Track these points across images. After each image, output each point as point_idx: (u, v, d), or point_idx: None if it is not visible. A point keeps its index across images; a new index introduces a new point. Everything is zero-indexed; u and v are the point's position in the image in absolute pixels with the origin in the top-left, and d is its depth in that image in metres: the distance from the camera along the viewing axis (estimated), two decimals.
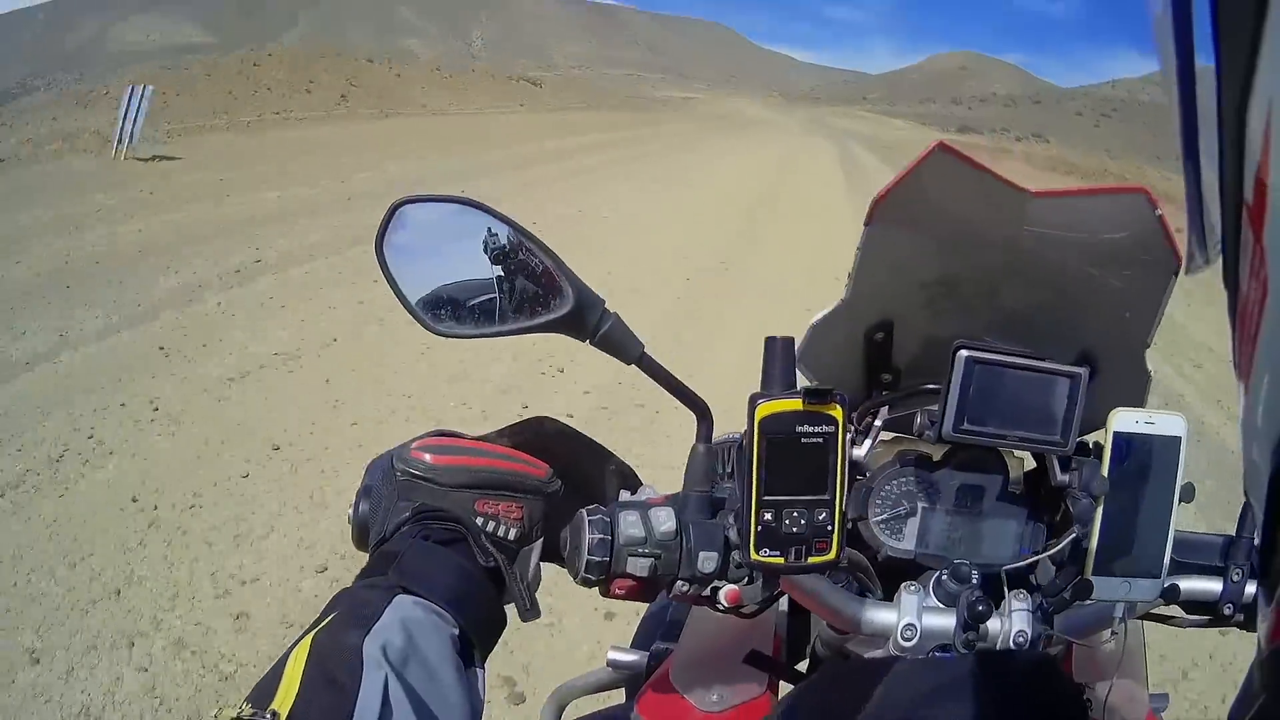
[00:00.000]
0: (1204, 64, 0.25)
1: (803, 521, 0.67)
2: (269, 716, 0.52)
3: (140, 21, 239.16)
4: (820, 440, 0.66)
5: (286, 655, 0.59)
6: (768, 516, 0.66)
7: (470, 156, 14.48)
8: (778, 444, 0.65)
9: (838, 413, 0.65)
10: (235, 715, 0.52)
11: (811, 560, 0.68)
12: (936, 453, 0.91)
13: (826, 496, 0.67)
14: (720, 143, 26.74)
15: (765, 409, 0.65)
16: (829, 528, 0.67)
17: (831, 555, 0.68)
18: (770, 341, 0.68)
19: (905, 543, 0.89)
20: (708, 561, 0.73)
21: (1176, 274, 0.80)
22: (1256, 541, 0.29)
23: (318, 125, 15.42)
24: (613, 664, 1.20)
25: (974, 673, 0.67)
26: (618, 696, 1.23)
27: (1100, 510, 0.76)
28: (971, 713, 0.63)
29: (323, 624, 0.62)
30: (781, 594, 0.78)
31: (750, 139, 30.85)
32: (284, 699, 0.54)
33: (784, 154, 24.92)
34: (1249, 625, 0.87)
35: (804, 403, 0.65)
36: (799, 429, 0.65)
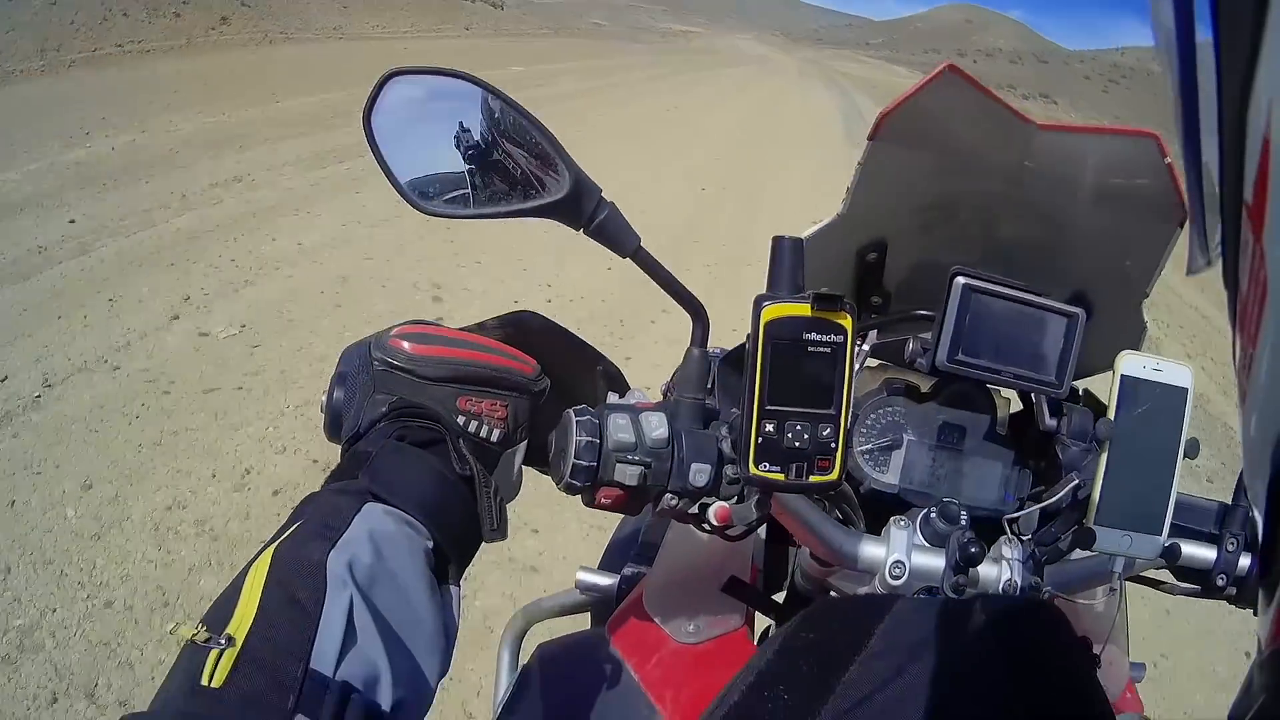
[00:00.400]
0: (1205, 64, 0.25)
1: (805, 436, 0.63)
2: (224, 641, 0.48)
3: None
4: (828, 350, 0.62)
5: (246, 569, 0.55)
6: (769, 428, 0.62)
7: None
8: (783, 350, 0.61)
9: (847, 322, 0.61)
10: (190, 637, 0.49)
11: (813, 479, 0.64)
12: (925, 384, 0.89)
13: (831, 411, 0.63)
14: (703, 88, 20.42)
15: (771, 312, 0.61)
16: (832, 445, 0.63)
17: (834, 475, 0.64)
18: (778, 241, 0.64)
19: (889, 476, 0.87)
20: (700, 474, 0.69)
21: (1181, 226, 0.78)
22: (1258, 540, 0.28)
23: (175, 57, 11.77)
24: (581, 586, 1.18)
25: (979, 619, 0.65)
26: (584, 621, 1.22)
27: (1105, 456, 0.73)
28: (977, 658, 0.62)
29: (286, 534, 0.58)
30: (768, 518, 0.74)
31: (739, 82, 24.94)
32: (241, 622, 0.50)
33: (776, 99, 21.21)
34: (1240, 600, 0.85)
35: (813, 308, 0.61)
36: (806, 335, 0.61)
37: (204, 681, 0.46)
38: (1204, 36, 0.24)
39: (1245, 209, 0.25)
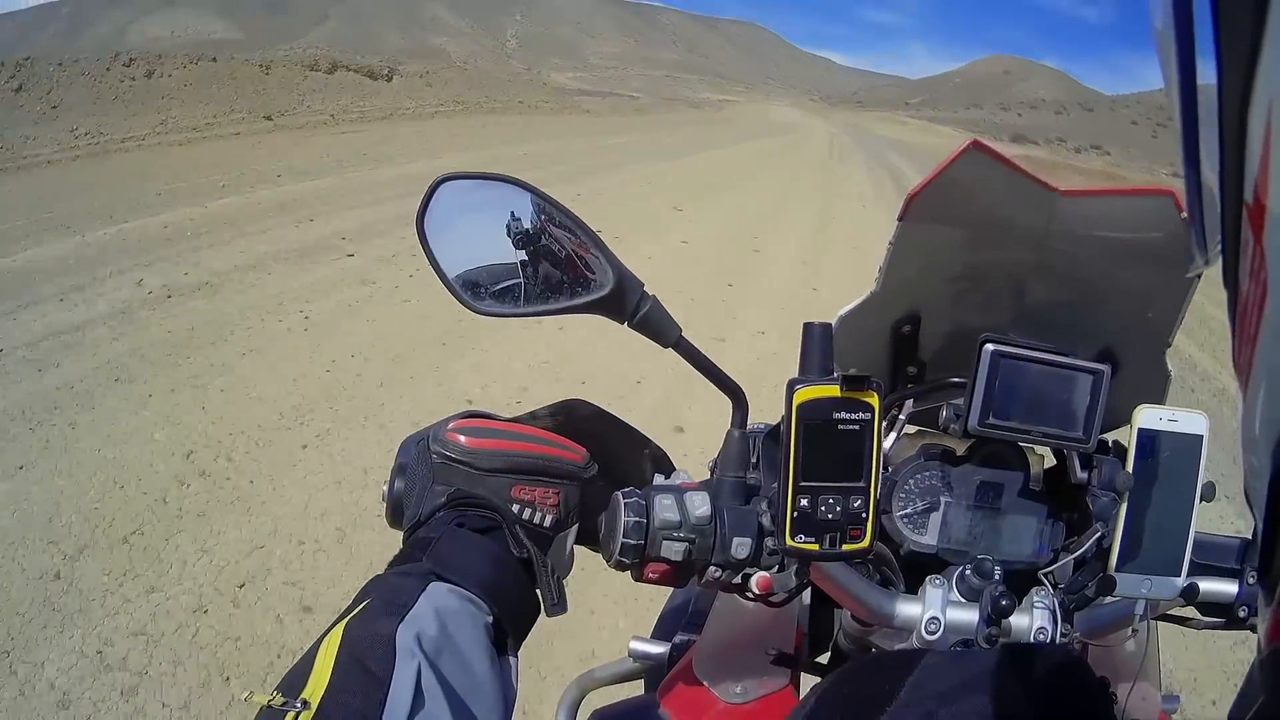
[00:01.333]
0: (1205, 65, 0.25)
1: (838, 508, 0.68)
2: (300, 705, 0.53)
3: (165, 16, 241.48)
4: (856, 427, 0.67)
5: (318, 644, 0.59)
6: (803, 502, 0.67)
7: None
8: (814, 429, 0.66)
9: (874, 400, 0.66)
10: (266, 703, 0.53)
11: (845, 548, 0.69)
12: (960, 447, 0.93)
13: (861, 484, 0.68)
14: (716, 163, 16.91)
15: (803, 394, 0.66)
16: (863, 515, 0.68)
17: (865, 543, 0.69)
18: (808, 327, 0.69)
19: (928, 537, 0.91)
20: (741, 547, 0.73)
21: (1199, 276, 0.82)
22: (1257, 537, 0.29)
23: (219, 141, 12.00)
24: (634, 654, 1.22)
25: (1003, 666, 0.68)
26: (636, 688, 1.26)
27: (1124, 507, 0.78)
28: (1002, 705, 0.65)
29: (355, 611, 0.62)
30: (809, 584, 0.79)
31: (766, 159, 20.07)
32: (315, 688, 0.54)
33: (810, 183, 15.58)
34: None
35: (841, 389, 0.66)
36: (836, 415, 0.66)
37: None
38: (1204, 36, 0.25)
39: (1245, 209, 0.25)
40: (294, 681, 0.56)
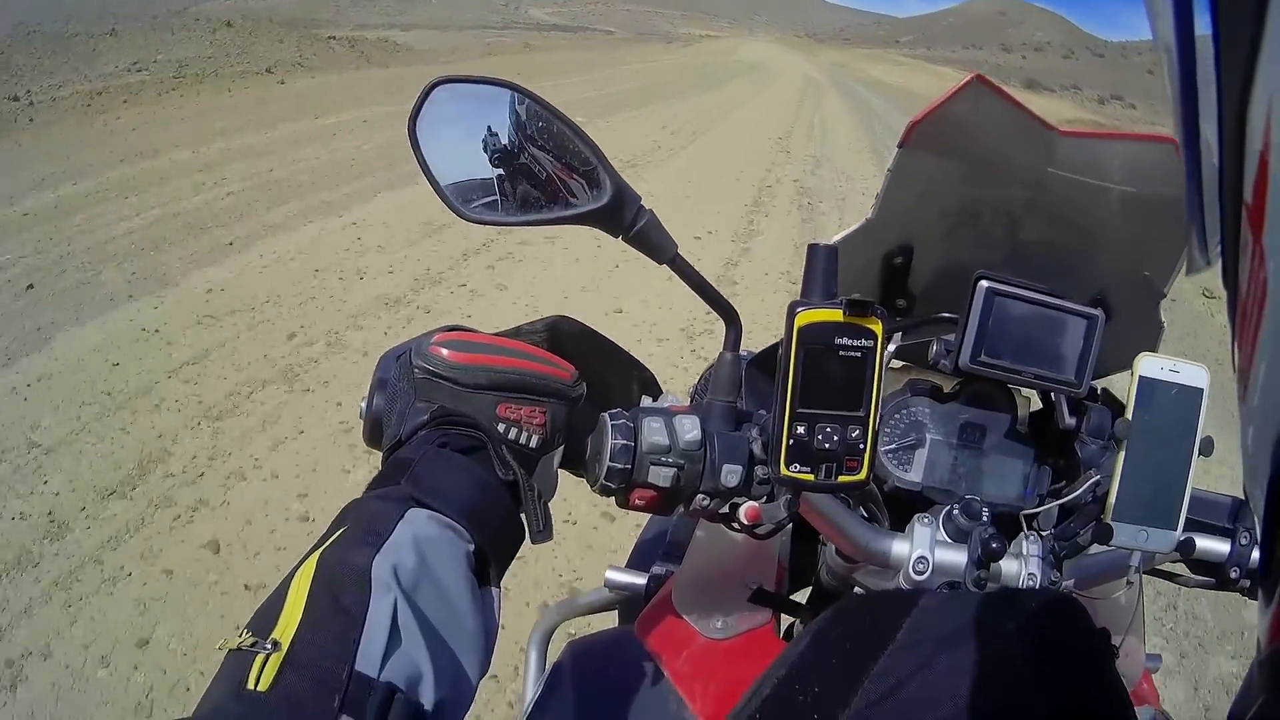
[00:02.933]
0: (1204, 64, 0.25)
1: (835, 438, 0.67)
2: (269, 646, 0.51)
3: None
4: (858, 354, 0.66)
5: (291, 576, 0.58)
6: (800, 430, 0.67)
7: None
8: (815, 354, 0.65)
9: (877, 326, 0.65)
10: (236, 645, 0.52)
11: (842, 479, 0.68)
12: (947, 384, 0.95)
13: (861, 413, 0.67)
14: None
15: (805, 317, 0.65)
16: (861, 446, 0.67)
17: (862, 475, 0.68)
18: (813, 249, 0.68)
19: (913, 474, 0.93)
20: (731, 475, 0.73)
21: None
22: (1258, 537, 0.30)
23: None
24: (610, 585, 1.23)
25: (1003, 610, 0.69)
26: (611, 619, 1.28)
27: (1123, 454, 0.78)
28: (1002, 650, 0.65)
29: (330, 540, 0.60)
30: (797, 516, 0.77)
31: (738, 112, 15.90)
32: (286, 626, 0.53)
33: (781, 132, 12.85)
34: (1253, 592, 0.89)
35: (845, 313, 0.65)
36: (837, 340, 0.65)
37: (250, 685, 0.49)
38: (1204, 35, 0.25)
39: (1245, 209, 0.26)
40: (265, 619, 0.54)
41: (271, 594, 0.57)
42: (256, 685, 0.49)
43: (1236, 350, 0.28)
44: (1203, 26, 0.24)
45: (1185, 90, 0.27)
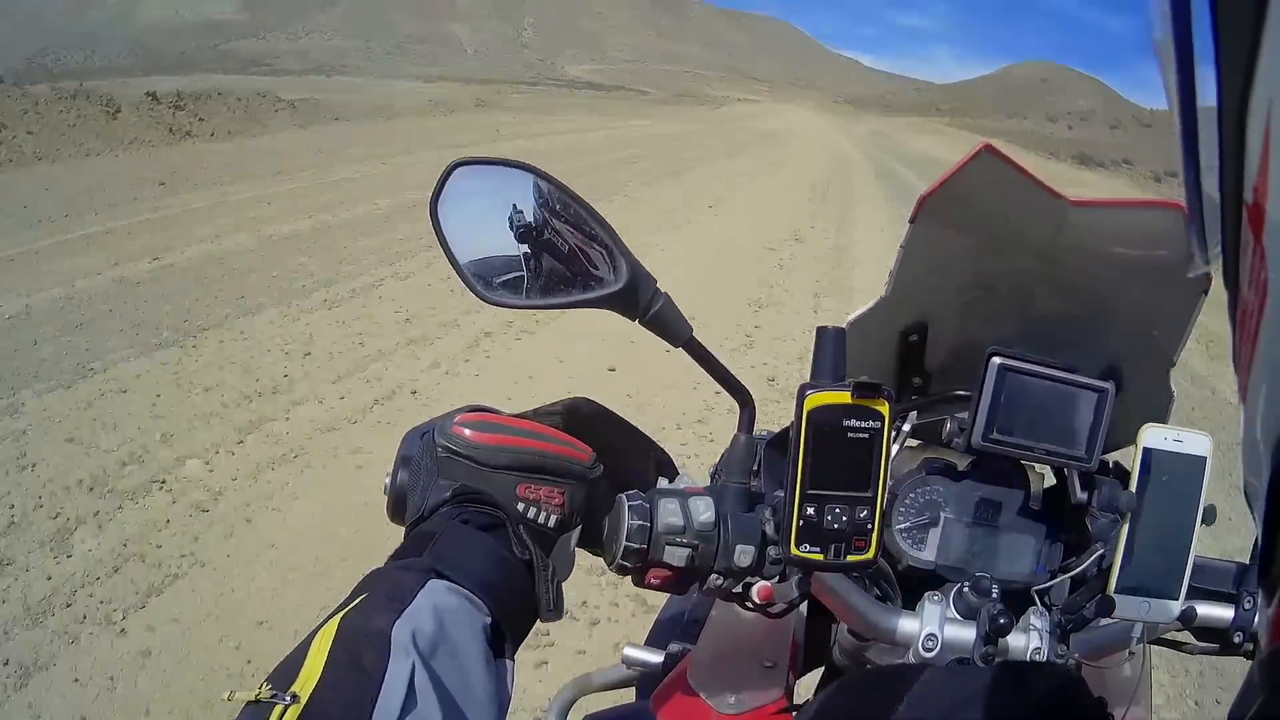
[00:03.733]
0: (1204, 64, 0.26)
1: (844, 518, 0.68)
2: (289, 699, 0.53)
3: None
4: (866, 435, 0.67)
5: (311, 636, 0.59)
6: (810, 511, 0.68)
7: None
8: (824, 436, 0.67)
9: (885, 408, 0.67)
10: (254, 698, 0.53)
11: (850, 558, 0.69)
12: (961, 462, 0.96)
13: (868, 494, 0.68)
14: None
15: (814, 400, 0.67)
16: (869, 526, 0.69)
17: (870, 554, 0.69)
18: (821, 331, 0.70)
19: (926, 553, 0.94)
20: (744, 555, 0.74)
21: (1206, 292, 0.84)
22: (1257, 537, 0.30)
23: None
24: (628, 661, 1.25)
25: (1002, 683, 0.70)
26: (629, 695, 1.29)
27: (1126, 527, 0.79)
28: (998, 718, 0.67)
29: (352, 605, 0.63)
30: (809, 595, 0.80)
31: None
32: (306, 682, 0.54)
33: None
34: (1256, 655, 0.90)
35: (853, 395, 0.66)
36: (846, 422, 0.67)
37: None
38: (1203, 38, 0.25)
39: (1245, 209, 0.26)
40: (285, 673, 0.56)
41: (292, 651, 0.59)
42: None
43: (1237, 350, 0.29)
44: (1202, 27, 0.25)
45: (1185, 90, 0.27)
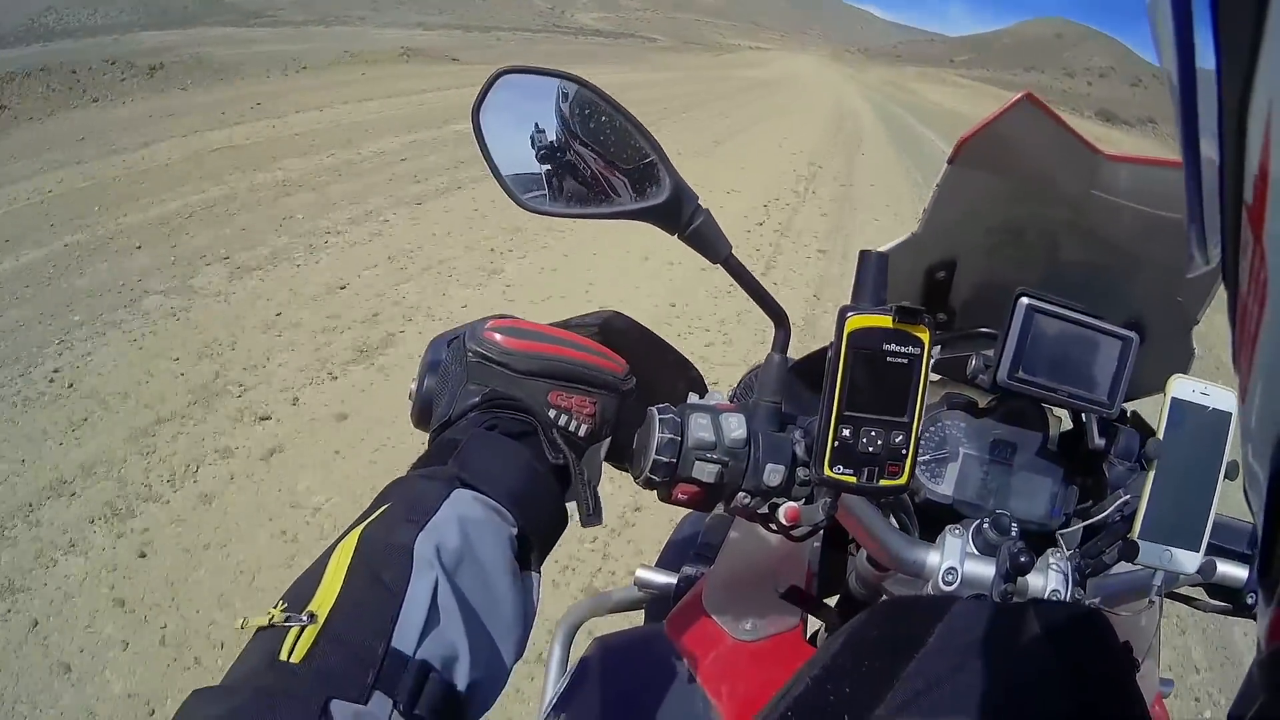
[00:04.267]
0: (1204, 63, 0.26)
1: (879, 441, 0.69)
2: (305, 619, 0.52)
3: None
4: (905, 360, 0.68)
5: (330, 551, 0.58)
6: (845, 433, 0.68)
7: None
8: (864, 359, 0.67)
9: (925, 334, 0.68)
10: (268, 621, 0.52)
11: (883, 483, 0.70)
12: (983, 400, 0.98)
13: (905, 419, 0.69)
14: None
15: (855, 322, 0.67)
16: (903, 451, 0.70)
17: (903, 479, 0.70)
18: (864, 255, 0.70)
19: (944, 486, 0.96)
20: (774, 474, 0.75)
21: None
22: (1257, 537, 0.31)
23: None
24: (640, 583, 1.27)
25: (1032, 620, 0.71)
26: (637, 618, 1.31)
27: (1153, 474, 0.80)
28: (1031, 659, 0.68)
29: (373, 517, 0.61)
30: (833, 519, 0.80)
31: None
32: (324, 600, 0.53)
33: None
34: None
35: (894, 320, 0.67)
36: (886, 346, 0.67)
37: (283, 656, 0.50)
38: (1203, 36, 0.25)
39: (1245, 209, 0.26)
40: (301, 591, 0.55)
41: (309, 568, 0.58)
42: (290, 656, 0.50)
43: (1237, 350, 0.29)
44: (1203, 28, 0.25)
45: (1185, 91, 0.27)
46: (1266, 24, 0.22)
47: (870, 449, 0.69)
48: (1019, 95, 0.85)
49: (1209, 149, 0.28)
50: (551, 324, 0.85)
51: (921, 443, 0.95)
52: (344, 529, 0.61)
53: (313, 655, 0.50)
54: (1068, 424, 1.01)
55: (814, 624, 1.12)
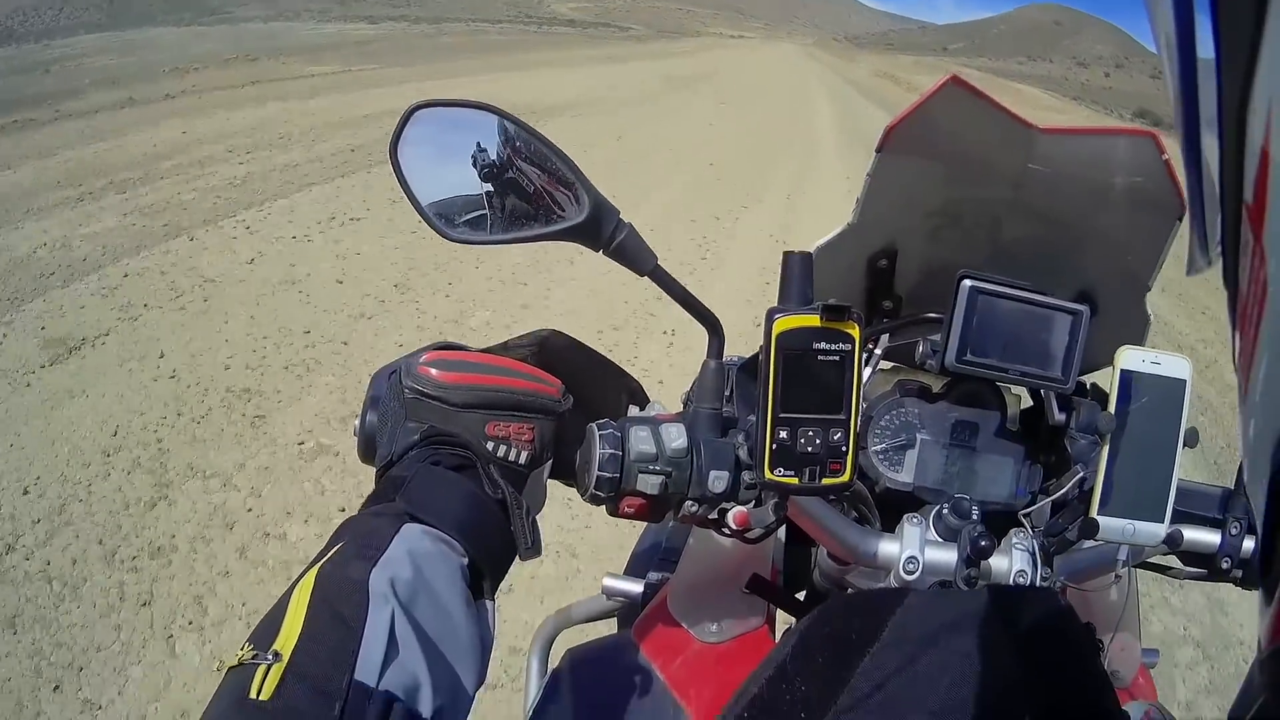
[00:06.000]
0: (1205, 63, 0.26)
1: (817, 441, 0.70)
2: (270, 657, 0.54)
3: None
4: (837, 358, 0.69)
5: (290, 590, 0.60)
6: (782, 435, 0.70)
7: None
8: (794, 360, 0.69)
9: (854, 330, 0.69)
10: (237, 662, 0.55)
11: (825, 481, 0.71)
12: (936, 384, 0.99)
13: (841, 416, 0.70)
14: None
15: (782, 324, 0.68)
16: (843, 448, 0.71)
17: (845, 477, 0.71)
18: (788, 256, 0.72)
19: (904, 474, 0.97)
20: (718, 481, 0.76)
21: (1180, 219, 0.86)
22: (1257, 537, 0.32)
23: None
24: (608, 592, 1.28)
25: (987, 608, 0.72)
26: (611, 626, 1.33)
27: (1106, 448, 0.80)
28: (986, 648, 0.69)
29: (328, 555, 0.64)
30: (786, 520, 0.81)
31: None
32: (287, 638, 0.56)
33: None
34: (1245, 581, 0.94)
35: (822, 319, 0.68)
36: (815, 345, 0.68)
37: (251, 695, 0.52)
38: (1204, 36, 0.26)
39: (1245, 209, 0.26)
40: (266, 632, 0.57)
41: (272, 608, 0.60)
42: (258, 695, 0.52)
43: (1237, 349, 0.29)
44: (1203, 28, 0.26)
45: (1185, 91, 0.28)
46: (1267, 24, 0.23)
47: (810, 449, 0.71)
48: (945, 78, 0.87)
49: (1209, 150, 0.28)
50: (488, 348, 0.88)
51: (877, 432, 0.97)
52: (302, 568, 0.64)
53: (280, 693, 0.53)
54: (1028, 401, 1.02)
55: (782, 622, 1.14)
